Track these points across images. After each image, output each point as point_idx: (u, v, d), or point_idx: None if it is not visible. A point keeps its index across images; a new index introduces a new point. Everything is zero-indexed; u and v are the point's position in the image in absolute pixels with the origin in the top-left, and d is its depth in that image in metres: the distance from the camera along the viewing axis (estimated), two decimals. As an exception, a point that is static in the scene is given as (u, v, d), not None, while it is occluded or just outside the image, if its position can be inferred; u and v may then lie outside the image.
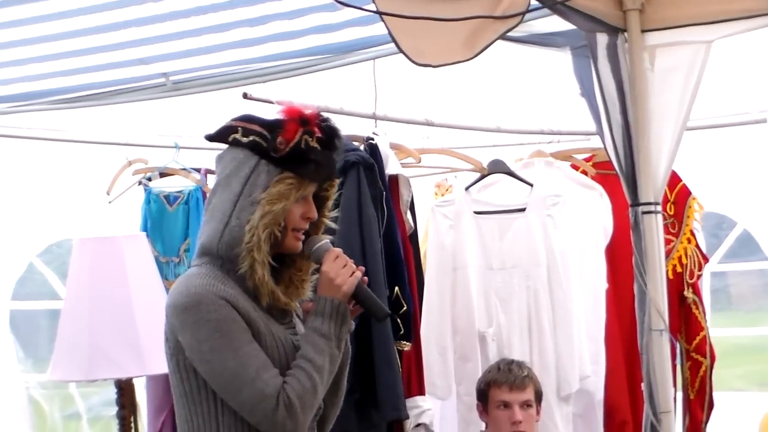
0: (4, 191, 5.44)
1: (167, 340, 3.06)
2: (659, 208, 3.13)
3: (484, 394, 4.74)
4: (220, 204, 3.08)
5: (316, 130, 3.08)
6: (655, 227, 3.06)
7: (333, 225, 3.27)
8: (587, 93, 3.23)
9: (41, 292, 6.30)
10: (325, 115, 3.15)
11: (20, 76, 4.55)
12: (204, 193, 5.33)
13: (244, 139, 3.08)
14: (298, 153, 3.05)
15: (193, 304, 2.98)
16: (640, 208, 3.08)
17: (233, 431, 3.03)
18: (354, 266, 3.13)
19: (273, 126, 3.09)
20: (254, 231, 3.01)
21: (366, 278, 3.16)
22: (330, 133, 3.12)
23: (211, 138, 3.17)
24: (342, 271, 3.10)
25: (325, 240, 3.18)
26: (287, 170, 3.05)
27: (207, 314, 2.96)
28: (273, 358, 3.03)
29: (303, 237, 3.15)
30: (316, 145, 3.08)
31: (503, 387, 4.67)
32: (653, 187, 3.06)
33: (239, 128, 3.10)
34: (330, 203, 3.23)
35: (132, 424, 4.63)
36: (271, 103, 4.26)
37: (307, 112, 3.10)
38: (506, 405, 4.67)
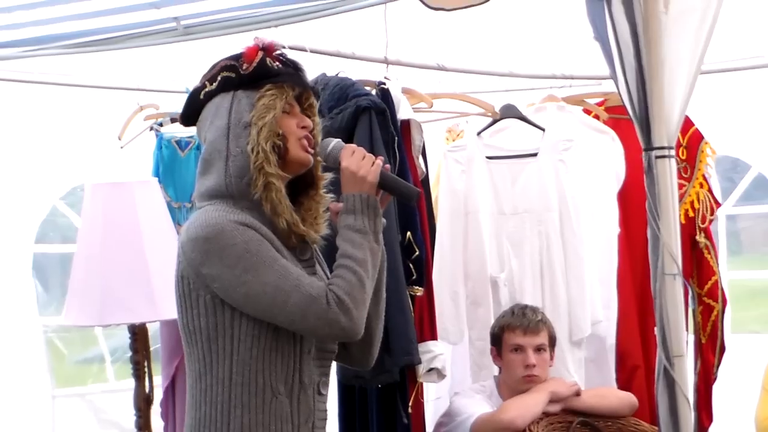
0: (18, 136, 5.44)
1: (182, 278, 3.04)
2: (673, 152, 3.11)
3: (498, 338, 4.77)
4: (211, 147, 3.09)
5: (279, 59, 3.14)
6: (668, 171, 3.04)
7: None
8: (601, 37, 3.20)
9: (65, 236, 6.30)
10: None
11: (31, 20, 4.53)
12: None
13: (214, 85, 3.12)
14: (265, 68, 3.10)
15: (215, 233, 2.96)
16: (654, 153, 3.06)
17: (246, 370, 3.01)
18: (373, 156, 3.12)
19: (234, 57, 3.14)
20: (257, 147, 3.02)
21: (388, 165, 3.15)
22: (291, 60, 3.18)
23: (186, 117, 3.21)
24: (363, 162, 3.09)
25: (336, 140, 3.17)
26: (263, 85, 3.09)
27: (232, 239, 2.95)
28: None
29: (309, 148, 3.14)
30: (280, 66, 3.13)
31: (517, 331, 4.70)
32: (667, 131, 3.05)
33: (204, 83, 3.15)
34: (317, 132, 3.21)
35: (146, 369, 4.66)
36: (283, 47, 4.24)
37: (266, 42, 3.15)
38: (520, 349, 4.70)
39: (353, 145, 3.16)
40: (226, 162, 3.05)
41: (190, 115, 3.19)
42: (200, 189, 3.12)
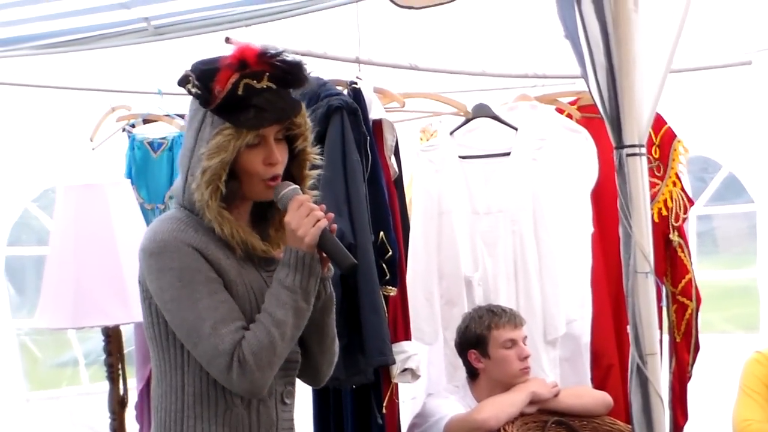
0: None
1: (140, 284, 2.98)
2: (644, 150, 3.10)
3: (482, 339, 4.72)
4: (181, 158, 2.98)
5: (268, 68, 2.86)
6: (639, 169, 3.04)
7: (319, 160, 3.07)
8: (571, 35, 3.19)
9: (38, 238, 6.28)
10: (277, 50, 2.90)
11: (1, 21, 4.51)
12: (188, 140, 5.30)
13: (193, 90, 2.90)
14: (234, 100, 2.85)
15: (158, 250, 2.89)
16: (625, 151, 3.05)
17: (198, 381, 2.94)
18: (319, 214, 2.92)
19: (210, 74, 2.86)
20: (200, 190, 2.88)
21: (335, 226, 2.97)
22: (284, 68, 2.89)
23: (178, 84, 2.98)
24: (304, 221, 2.90)
25: (291, 187, 2.98)
26: (227, 120, 2.86)
27: (170, 262, 2.86)
28: (243, 308, 2.92)
29: (275, 183, 2.96)
30: (266, 84, 2.86)
31: (507, 326, 4.70)
32: (638, 129, 3.04)
33: (190, 77, 2.91)
34: (306, 141, 3.01)
35: (120, 371, 4.64)
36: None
37: (250, 51, 2.85)
38: (513, 342, 4.69)
39: (304, 198, 2.95)
40: (185, 184, 2.95)
41: (181, 86, 2.97)
42: (173, 188, 3.06)
